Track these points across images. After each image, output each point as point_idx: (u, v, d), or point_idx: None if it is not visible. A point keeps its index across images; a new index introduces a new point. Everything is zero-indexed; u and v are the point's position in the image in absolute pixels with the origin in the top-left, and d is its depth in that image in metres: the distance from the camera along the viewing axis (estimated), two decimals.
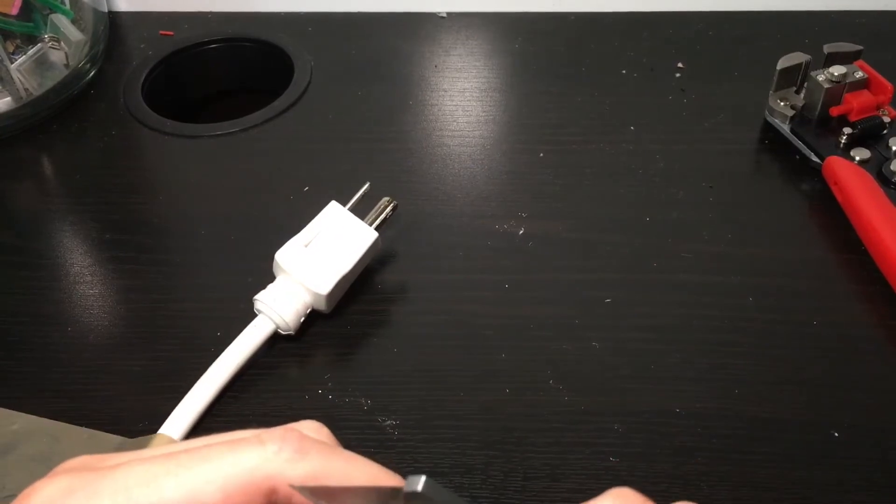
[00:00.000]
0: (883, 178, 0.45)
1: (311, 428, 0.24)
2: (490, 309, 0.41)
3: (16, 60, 0.52)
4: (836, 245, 0.44)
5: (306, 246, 0.40)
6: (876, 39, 0.52)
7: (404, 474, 0.36)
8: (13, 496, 0.21)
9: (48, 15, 0.53)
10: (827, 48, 0.48)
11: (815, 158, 0.47)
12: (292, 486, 0.21)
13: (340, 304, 0.41)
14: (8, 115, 0.52)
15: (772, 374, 0.38)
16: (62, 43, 0.54)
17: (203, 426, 0.37)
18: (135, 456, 0.22)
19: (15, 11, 0.51)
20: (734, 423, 0.36)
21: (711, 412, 0.37)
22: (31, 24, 0.53)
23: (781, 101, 0.49)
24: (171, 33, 0.61)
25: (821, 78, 0.47)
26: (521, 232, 0.45)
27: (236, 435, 0.22)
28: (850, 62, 0.48)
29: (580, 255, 0.44)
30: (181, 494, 0.20)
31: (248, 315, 0.39)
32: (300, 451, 0.21)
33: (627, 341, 0.40)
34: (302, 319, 0.39)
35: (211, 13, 0.62)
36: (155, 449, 0.23)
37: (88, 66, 0.56)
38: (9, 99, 0.52)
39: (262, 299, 0.39)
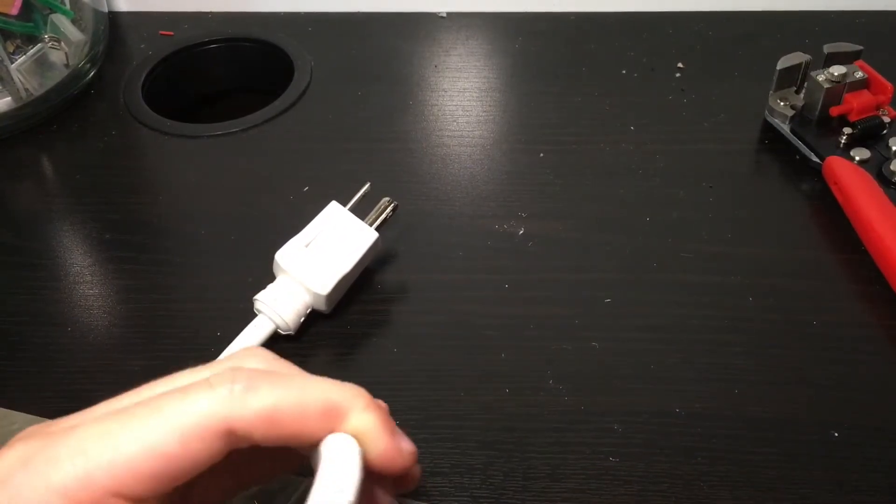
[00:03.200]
0: (883, 178, 0.45)
1: (255, 356, 0.24)
2: (490, 309, 0.41)
3: (16, 60, 0.52)
4: (836, 245, 0.44)
5: (306, 246, 0.40)
6: (876, 39, 0.52)
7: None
8: None
9: (48, 15, 0.53)
10: (827, 48, 0.48)
11: (814, 158, 0.47)
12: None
13: (340, 305, 0.41)
14: (8, 115, 0.52)
15: (772, 374, 0.38)
16: (62, 43, 0.54)
17: None
18: (88, 416, 0.22)
19: (15, 11, 0.51)
20: (734, 423, 0.36)
21: (711, 412, 0.37)
22: (31, 24, 0.53)
23: (781, 101, 0.49)
24: (171, 33, 0.61)
25: (821, 78, 0.47)
26: (521, 232, 0.45)
27: (184, 378, 0.23)
28: (850, 62, 0.48)
29: (580, 255, 0.44)
30: (139, 448, 0.20)
31: (248, 315, 0.39)
32: (250, 388, 0.21)
33: (627, 341, 0.40)
34: (302, 319, 0.39)
35: (211, 13, 0.62)
36: (107, 404, 0.23)
37: (88, 66, 0.56)
38: (9, 99, 0.52)
39: (262, 299, 0.39)
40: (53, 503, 0.20)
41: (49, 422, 0.22)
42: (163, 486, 0.21)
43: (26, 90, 0.53)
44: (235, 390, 0.21)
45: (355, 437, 0.22)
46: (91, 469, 0.20)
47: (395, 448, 0.23)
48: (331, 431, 0.22)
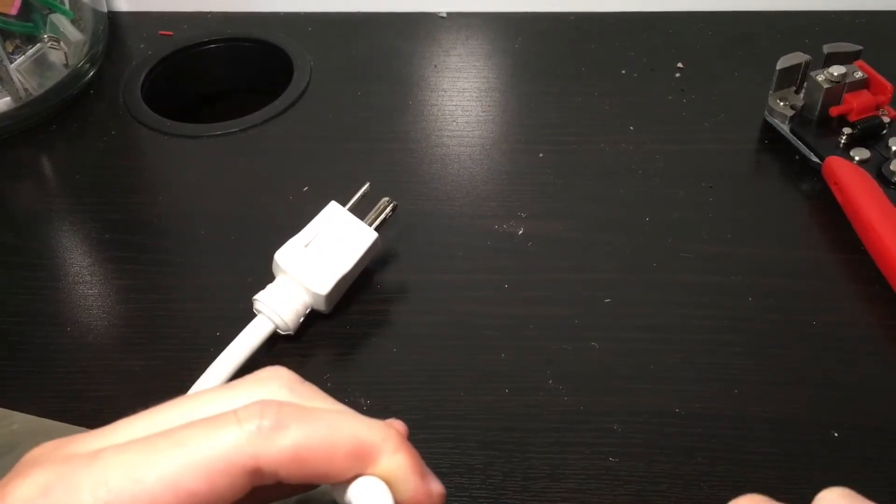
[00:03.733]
0: (882, 178, 0.45)
1: (279, 379, 0.23)
2: (490, 309, 0.41)
3: (15, 60, 0.52)
4: (836, 245, 0.44)
5: (306, 246, 0.40)
6: (876, 39, 0.52)
7: None
8: None
9: (48, 15, 0.53)
10: (826, 48, 0.48)
11: (814, 158, 0.47)
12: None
13: (340, 305, 0.41)
14: (7, 115, 0.52)
15: (772, 374, 0.38)
16: (62, 43, 0.54)
17: None
18: (109, 439, 0.21)
19: (14, 11, 0.51)
20: (734, 423, 0.36)
21: (711, 412, 0.37)
22: (30, 24, 0.53)
23: (781, 101, 0.49)
24: (171, 33, 0.61)
25: (820, 78, 0.47)
26: (521, 232, 0.45)
27: (210, 404, 0.22)
28: (850, 62, 0.48)
29: (580, 255, 0.44)
30: (164, 484, 0.20)
31: (248, 315, 0.39)
32: (279, 426, 0.21)
33: (627, 341, 0.40)
34: (301, 319, 0.39)
35: (210, 13, 0.62)
36: (130, 423, 0.22)
37: (88, 66, 0.56)
38: (8, 99, 0.52)
39: (262, 299, 0.39)
40: None
41: (65, 441, 0.22)
42: None
43: (25, 90, 0.53)
44: (264, 427, 0.21)
45: (385, 479, 0.22)
46: (113, 503, 0.20)
47: (425, 492, 0.22)
48: (359, 472, 0.22)
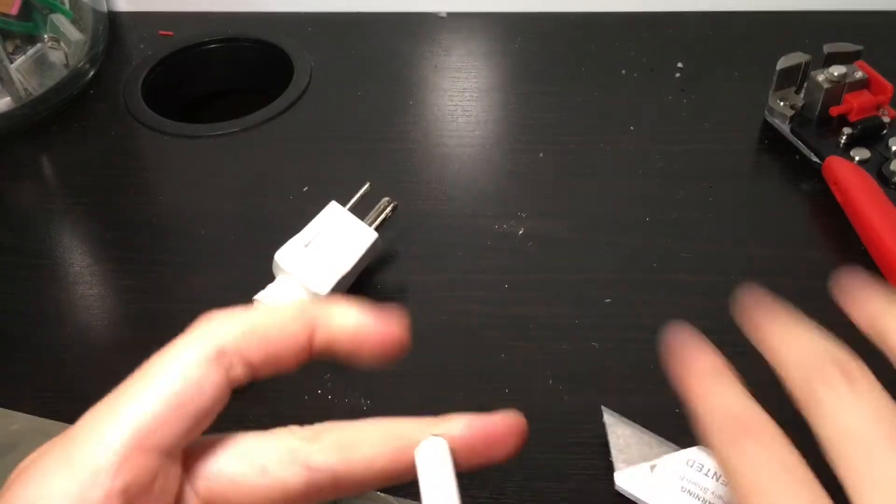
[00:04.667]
0: (883, 178, 0.45)
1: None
2: (490, 309, 0.41)
3: (15, 60, 0.52)
4: (836, 245, 0.44)
5: (306, 246, 0.40)
6: (876, 39, 0.52)
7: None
8: None
9: (48, 15, 0.54)
10: (827, 48, 0.48)
11: (814, 158, 0.47)
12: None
13: None
14: (8, 115, 0.52)
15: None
16: (62, 43, 0.54)
17: None
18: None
19: (15, 11, 0.51)
20: None
21: None
22: (30, 24, 0.53)
23: (781, 101, 0.49)
24: (171, 33, 0.61)
25: (821, 78, 0.47)
26: (521, 232, 0.45)
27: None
28: (850, 62, 0.48)
29: (580, 255, 0.44)
30: (144, 402, 0.21)
31: None
32: (227, 315, 0.23)
33: (627, 341, 0.40)
34: None
35: (211, 13, 0.62)
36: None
37: (88, 66, 0.56)
38: (8, 99, 0.52)
39: (262, 299, 0.39)
40: (82, 478, 0.20)
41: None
42: (184, 427, 0.21)
43: (26, 90, 0.53)
44: (214, 319, 0.23)
45: (335, 320, 0.23)
46: (107, 435, 0.20)
47: (379, 321, 0.25)
48: (312, 333, 0.23)
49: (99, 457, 0.20)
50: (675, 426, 0.36)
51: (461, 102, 0.54)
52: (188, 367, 0.22)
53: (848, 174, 0.45)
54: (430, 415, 0.37)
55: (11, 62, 0.52)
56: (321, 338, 0.23)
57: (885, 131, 0.47)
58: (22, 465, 0.21)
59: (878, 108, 0.47)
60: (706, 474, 0.33)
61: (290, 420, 0.23)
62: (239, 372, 0.22)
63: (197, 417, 0.21)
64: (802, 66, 0.49)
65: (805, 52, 0.49)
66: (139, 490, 0.20)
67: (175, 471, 0.21)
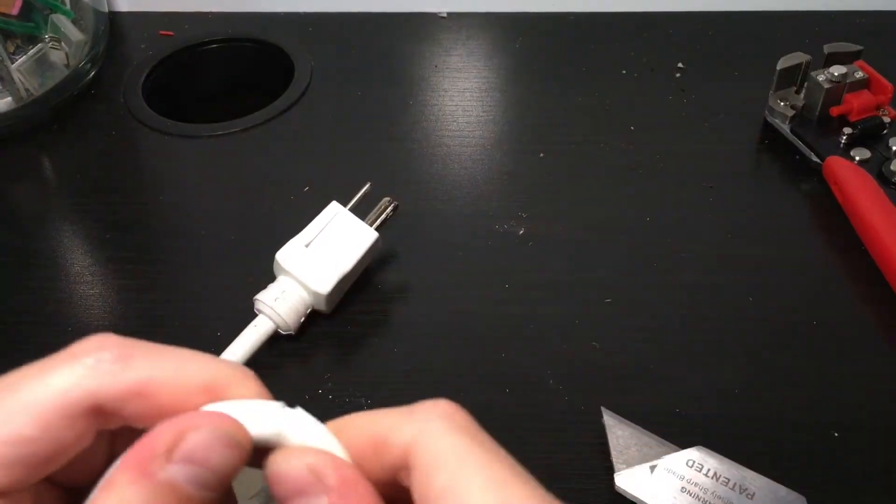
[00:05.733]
0: (883, 179, 0.45)
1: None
2: (490, 309, 0.41)
3: (16, 60, 0.52)
4: (836, 245, 0.44)
5: (307, 246, 0.40)
6: (876, 39, 0.52)
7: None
8: None
9: (48, 15, 0.54)
10: (827, 48, 0.48)
11: (815, 158, 0.47)
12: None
13: (340, 304, 0.41)
14: (8, 115, 0.52)
15: (771, 374, 0.38)
16: (62, 43, 0.54)
17: None
18: None
19: (15, 11, 0.51)
20: (734, 423, 0.36)
21: (711, 412, 0.37)
22: (31, 24, 0.53)
23: (781, 101, 0.49)
24: (172, 33, 0.61)
25: (821, 78, 0.47)
26: (521, 232, 0.45)
27: (55, 355, 0.20)
28: (851, 62, 0.48)
29: (580, 255, 0.44)
30: None
31: (248, 315, 0.39)
32: (121, 358, 0.18)
33: (627, 341, 0.40)
34: (302, 319, 0.40)
35: (211, 13, 0.62)
36: None
37: (89, 66, 0.56)
38: (9, 99, 0.52)
39: (262, 299, 0.39)
40: None
41: None
42: (28, 476, 0.18)
43: (26, 90, 0.53)
44: (103, 361, 0.18)
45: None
46: None
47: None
48: (208, 403, 0.19)
49: None
50: (675, 427, 0.36)
51: (461, 102, 0.54)
52: (51, 415, 0.18)
53: (848, 174, 0.45)
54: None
55: (12, 62, 0.52)
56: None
57: (885, 131, 0.47)
58: None
59: (878, 108, 0.47)
60: (706, 475, 0.33)
61: None
62: (109, 425, 0.19)
63: (41, 465, 0.18)
64: (803, 66, 0.49)
65: (805, 52, 0.49)
66: None
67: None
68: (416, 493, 0.19)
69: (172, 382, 0.19)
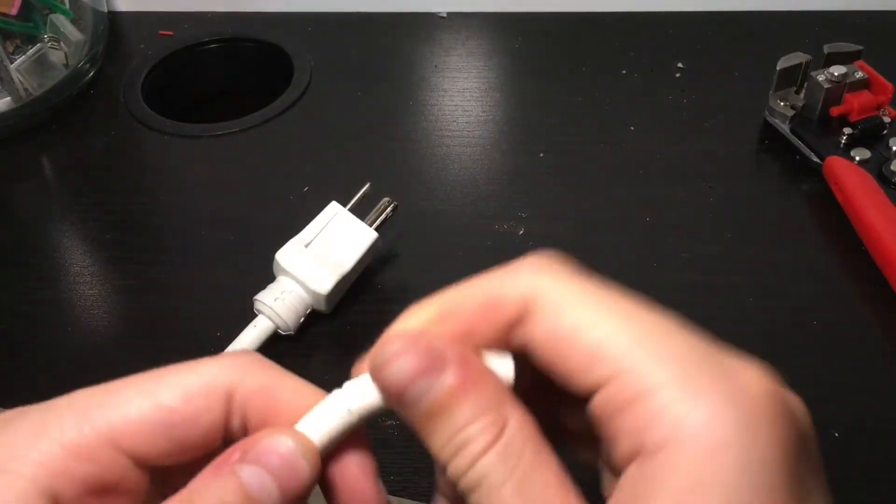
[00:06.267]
0: (883, 179, 0.45)
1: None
2: None
3: (15, 60, 0.52)
4: (837, 245, 0.44)
5: (306, 246, 0.40)
6: (876, 39, 0.52)
7: (407, 475, 0.35)
8: None
9: (48, 15, 0.53)
10: (827, 48, 0.48)
11: (815, 158, 0.47)
12: None
13: (340, 305, 0.41)
14: (8, 115, 0.52)
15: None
16: (62, 43, 0.54)
17: None
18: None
19: (14, 11, 0.51)
20: None
21: None
22: (30, 24, 0.53)
23: (781, 101, 0.49)
24: (171, 33, 0.61)
25: (821, 78, 0.47)
26: (521, 232, 0.45)
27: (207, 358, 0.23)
28: (851, 62, 0.48)
29: (580, 255, 0.43)
30: (140, 399, 0.20)
31: (248, 315, 0.39)
32: (260, 363, 0.22)
33: None
34: (302, 320, 0.39)
35: (210, 13, 0.62)
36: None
37: (88, 66, 0.56)
38: (8, 99, 0.52)
39: (262, 299, 0.39)
40: (47, 449, 0.19)
41: None
42: (164, 445, 0.20)
43: (26, 90, 0.53)
44: (243, 360, 0.22)
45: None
46: (89, 414, 0.20)
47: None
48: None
49: (66, 438, 0.19)
50: None
51: (461, 102, 0.54)
52: (195, 392, 0.21)
53: (848, 174, 0.45)
54: None
55: (11, 62, 0.52)
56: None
57: (885, 131, 0.47)
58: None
59: (878, 108, 0.47)
60: None
61: None
62: (233, 420, 0.21)
63: (178, 437, 0.20)
64: (803, 66, 0.49)
65: (805, 52, 0.49)
66: (100, 485, 0.19)
67: (142, 481, 0.20)
68: (540, 339, 0.19)
69: (292, 394, 0.21)
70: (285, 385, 0.22)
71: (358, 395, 0.21)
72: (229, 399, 0.21)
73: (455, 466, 0.19)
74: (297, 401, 0.21)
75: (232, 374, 0.21)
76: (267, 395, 0.21)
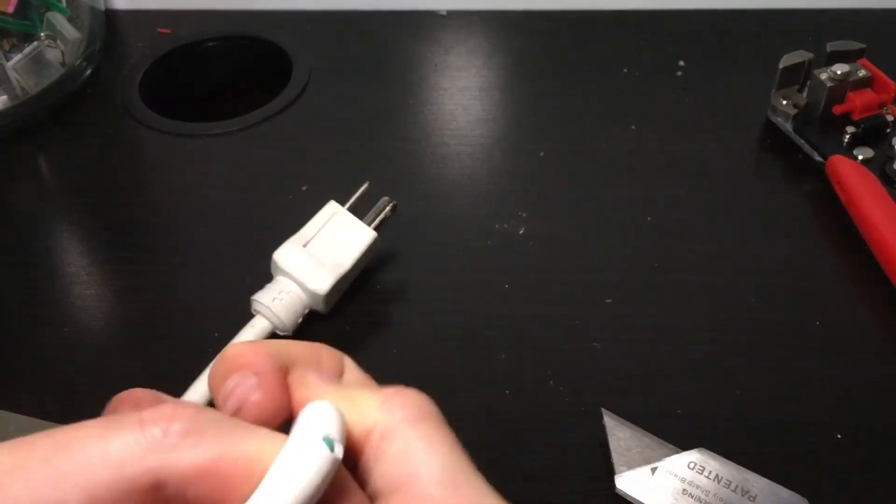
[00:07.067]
0: (886, 178, 0.44)
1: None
2: (490, 309, 0.41)
3: (12, 59, 0.52)
4: (839, 245, 0.44)
5: (305, 245, 0.39)
6: (879, 37, 0.51)
7: None
8: None
9: (44, 13, 0.53)
10: (830, 46, 0.48)
11: (817, 157, 0.47)
12: None
13: (339, 305, 0.41)
14: (4, 113, 0.52)
15: (773, 375, 0.38)
16: (58, 41, 0.54)
17: None
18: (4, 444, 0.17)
19: (11, 9, 0.51)
20: (734, 424, 0.36)
21: (712, 412, 0.36)
22: (27, 23, 0.52)
23: (784, 99, 0.49)
24: (169, 31, 0.60)
25: (824, 76, 0.47)
26: (521, 232, 0.45)
27: (120, 417, 0.17)
28: (854, 60, 0.48)
29: (580, 255, 0.44)
30: (30, 498, 0.16)
31: (246, 315, 0.39)
32: (193, 433, 0.17)
33: (628, 341, 0.39)
34: (300, 320, 0.39)
35: (209, 11, 0.62)
36: (39, 434, 0.17)
37: (85, 64, 0.56)
38: (5, 98, 0.52)
39: (260, 300, 0.39)
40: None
41: None
42: None
43: (22, 89, 0.53)
44: (172, 434, 0.16)
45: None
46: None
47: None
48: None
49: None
50: (677, 428, 0.36)
51: (461, 101, 0.54)
52: (102, 488, 0.16)
53: (851, 173, 0.44)
54: None
55: (8, 60, 0.52)
56: None
57: (888, 130, 0.47)
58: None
59: (881, 106, 0.47)
60: (708, 477, 0.33)
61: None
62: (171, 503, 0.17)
63: None
64: (805, 65, 0.49)
65: (808, 50, 0.49)
66: None
67: None
68: (377, 471, 0.20)
69: (245, 464, 0.17)
70: (238, 456, 0.17)
71: (309, 448, 0.17)
72: (156, 489, 0.16)
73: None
74: (252, 472, 0.17)
75: (154, 454, 0.16)
76: (210, 476, 0.17)
